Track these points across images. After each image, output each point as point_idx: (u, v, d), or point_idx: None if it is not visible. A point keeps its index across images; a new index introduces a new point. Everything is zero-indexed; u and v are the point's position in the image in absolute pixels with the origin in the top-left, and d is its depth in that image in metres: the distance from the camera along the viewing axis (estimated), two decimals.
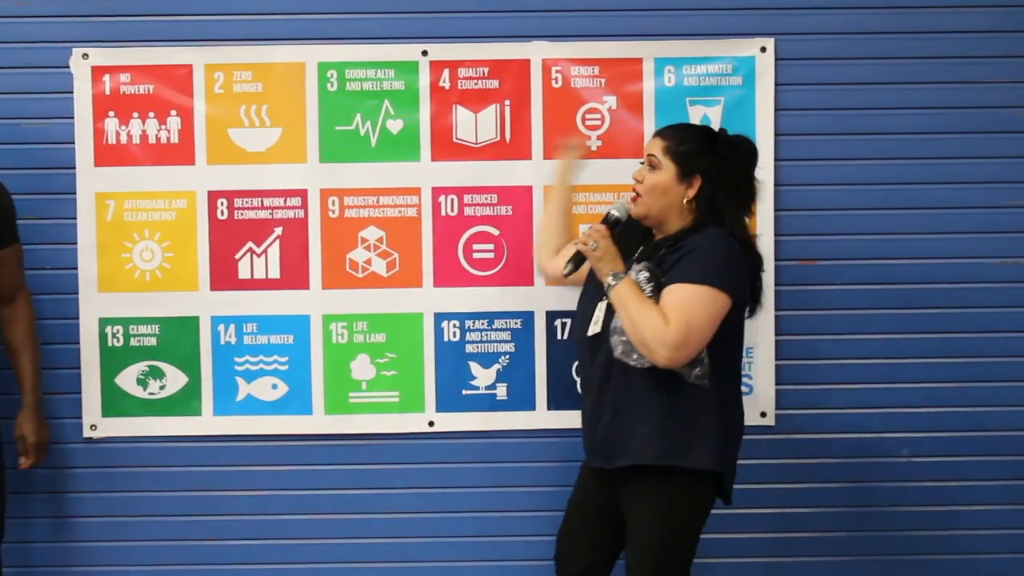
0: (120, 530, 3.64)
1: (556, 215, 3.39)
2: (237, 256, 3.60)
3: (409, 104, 3.59)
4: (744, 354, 3.53)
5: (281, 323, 3.61)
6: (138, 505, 3.63)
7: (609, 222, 2.96)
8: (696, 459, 2.84)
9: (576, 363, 3.47)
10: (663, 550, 2.90)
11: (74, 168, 3.58)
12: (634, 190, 2.98)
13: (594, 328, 2.94)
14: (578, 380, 3.45)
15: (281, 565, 3.65)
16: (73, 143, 3.58)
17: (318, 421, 3.61)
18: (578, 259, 2.95)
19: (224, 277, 3.60)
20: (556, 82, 3.60)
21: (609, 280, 2.86)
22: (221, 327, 3.61)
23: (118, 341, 3.60)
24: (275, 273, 3.60)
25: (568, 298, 3.56)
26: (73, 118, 3.57)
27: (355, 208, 3.59)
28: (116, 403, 3.61)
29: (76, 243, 3.58)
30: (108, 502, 3.64)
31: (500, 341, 3.62)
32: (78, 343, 3.60)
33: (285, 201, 3.60)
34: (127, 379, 3.61)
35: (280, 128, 3.59)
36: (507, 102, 3.59)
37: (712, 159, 2.90)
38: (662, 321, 2.76)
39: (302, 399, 3.62)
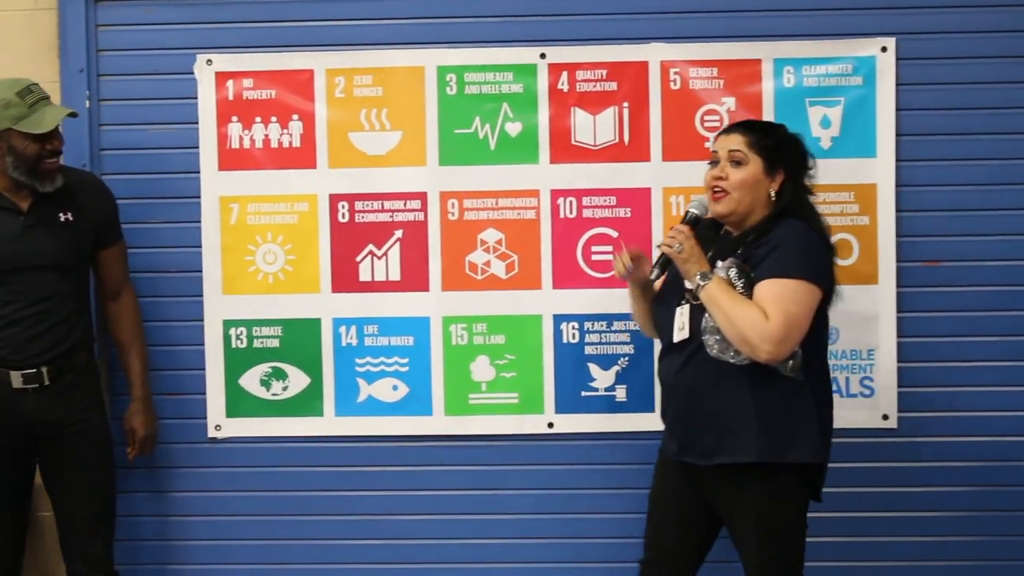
0: (243, 529, 3.69)
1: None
2: (358, 258, 3.64)
3: (528, 107, 3.61)
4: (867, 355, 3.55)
5: (401, 325, 3.64)
6: (261, 504, 3.69)
7: (689, 221, 2.95)
8: (796, 454, 2.84)
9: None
10: (775, 548, 2.89)
11: (198, 172, 3.64)
12: (716, 188, 2.94)
13: (681, 334, 2.93)
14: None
15: (401, 565, 3.68)
16: (197, 148, 3.64)
17: (438, 422, 3.64)
18: (664, 262, 2.95)
19: (345, 279, 3.64)
20: (674, 84, 3.60)
21: (698, 280, 2.85)
22: (342, 329, 3.65)
23: (242, 343, 3.66)
24: (395, 275, 3.64)
25: None
26: (197, 123, 3.64)
27: (474, 210, 3.62)
28: (240, 404, 3.67)
29: (200, 246, 3.65)
30: (232, 501, 3.69)
31: (619, 343, 3.63)
32: (203, 345, 3.66)
33: (405, 204, 3.63)
34: (251, 380, 3.66)
35: (400, 132, 3.62)
36: (625, 104, 3.60)
37: (792, 152, 2.95)
38: (762, 316, 2.75)
39: (422, 400, 3.65)
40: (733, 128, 3.00)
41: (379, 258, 3.64)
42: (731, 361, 2.84)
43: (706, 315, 2.86)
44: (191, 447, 3.68)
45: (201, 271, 3.65)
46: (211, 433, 3.67)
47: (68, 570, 3.43)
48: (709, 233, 3.00)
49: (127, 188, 3.62)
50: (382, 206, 3.63)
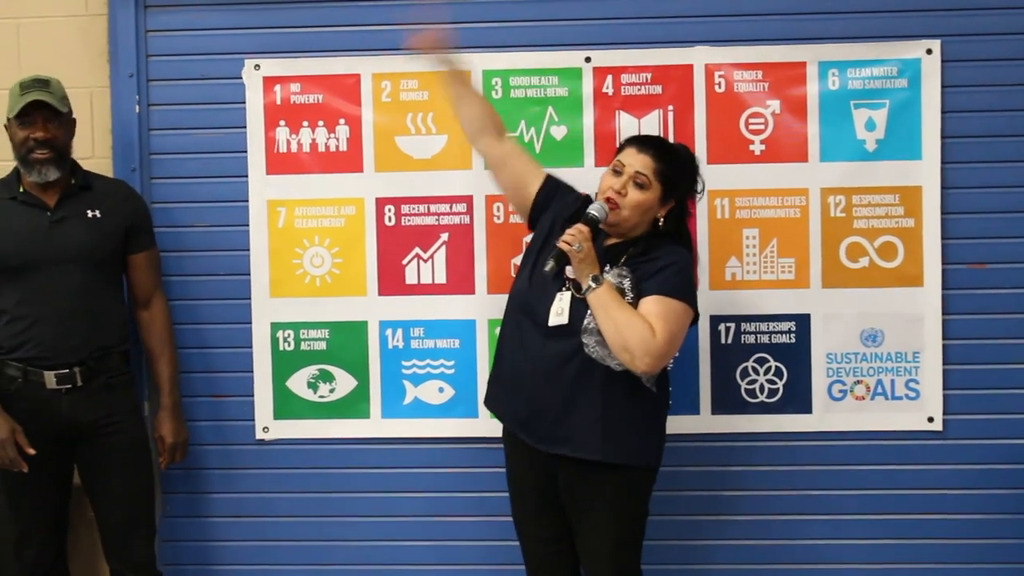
0: (291, 530, 3.72)
1: (474, 95, 3.29)
2: (404, 261, 3.67)
3: (573, 110, 3.63)
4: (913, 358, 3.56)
5: (447, 327, 3.66)
6: (308, 506, 3.71)
7: (589, 221, 2.96)
8: (644, 458, 3.02)
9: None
10: (628, 539, 3.05)
11: (246, 176, 3.67)
12: (612, 198, 2.99)
13: (559, 319, 2.98)
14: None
15: (447, 566, 3.70)
16: (246, 152, 3.67)
17: (484, 424, 3.64)
18: (561, 258, 2.97)
19: (392, 282, 3.67)
20: (719, 87, 3.61)
21: (590, 283, 2.92)
22: (389, 331, 3.67)
23: (289, 345, 3.69)
24: (441, 278, 3.66)
25: (735, 303, 3.59)
26: (245, 128, 3.67)
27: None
28: (287, 406, 3.70)
29: (248, 250, 3.68)
30: (279, 503, 3.72)
31: None
32: (251, 347, 3.69)
33: (451, 207, 3.65)
34: (298, 382, 3.69)
35: (446, 135, 3.64)
36: (670, 108, 3.61)
37: (688, 184, 3.08)
38: (649, 330, 2.86)
39: (468, 402, 3.67)
40: (646, 147, 3.04)
41: (425, 261, 3.66)
42: (609, 364, 2.92)
43: (589, 315, 2.93)
44: (239, 449, 3.71)
45: (249, 274, 3.68)
46: (259, 435, 3.70)
47: (110, 571, 3.47)
48: (593, 232, 3.03)
49: (176, 192, 3.68)
50: (428, 209, 3.66)
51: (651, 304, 2.91)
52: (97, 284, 3.34)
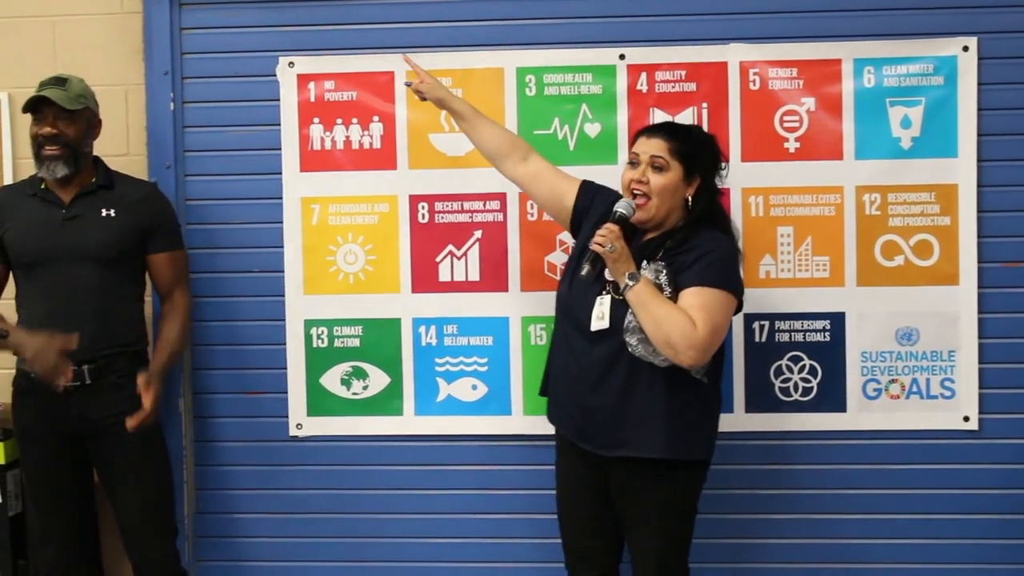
0: (323, 527, 3.73)
1: (484, 124, 3.28)
2: (438, 259, 3.67)
3: (607, 108, 3.62)
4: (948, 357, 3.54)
5: (481, 325, 3.66)
6: (341, 502, 3.72)
7: (618, 220, 2.94)
8: (698, 452, 3.00)
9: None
10: (675, 536, 3.03)
11: (281, 174, 3.68)
12: (636, 191, 2.98)
13: (601, 323, 2.96)
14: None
15: (480, 563, 3.70)
16: (280, 149, 3.68)
17: (517, 422, 3.65)
18: (596, 261, 2.95)
19: (425, 279, 3.67)
20: (754, 84, 3.59)
21: (627, 281, 2.90)
22: (422, 328, 3.67)
23: (323, 342, 3.69)
24: (475, 275, 3.66)
25: (769, 301, 3.58)
26: (279, 125, 3.68)
27: None
28: (321, 403, 3.70)
29: (282, 247, 3.68)
30: (312, 499, 3.73)
31: None
32: (284, 344, 3.70)
33: (484, 205, 3.65)
34: (331, 379, 3.70)
35: None
36: (704, 105, 3.60)
37: (708, 157, 3.03)
38: (690, 323, 2.84)
39: (501, 400, 3.67)
40: (655, 131, 3.04)
41: (459, 258, 3.66)
42: (654, 362, 2.91)
43: (629, 314, 2.91)
44: (272, 445, 3.72)
45: (283, 271, 3.68)
46: (292, 432, 3.71)
47: (133, 569, 3.47)
48: (627, 230, 3.00)
49: (210, 189, 3.70)
50: (462, 207, 3.66)
51: (690, 296, 2.90)
52: (111, 283, 3.34)
